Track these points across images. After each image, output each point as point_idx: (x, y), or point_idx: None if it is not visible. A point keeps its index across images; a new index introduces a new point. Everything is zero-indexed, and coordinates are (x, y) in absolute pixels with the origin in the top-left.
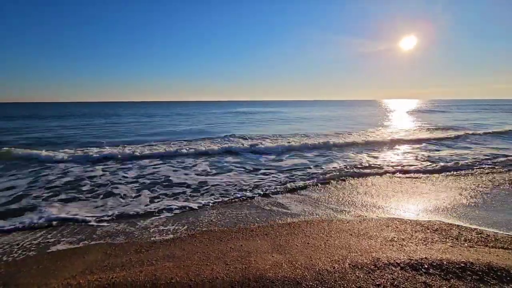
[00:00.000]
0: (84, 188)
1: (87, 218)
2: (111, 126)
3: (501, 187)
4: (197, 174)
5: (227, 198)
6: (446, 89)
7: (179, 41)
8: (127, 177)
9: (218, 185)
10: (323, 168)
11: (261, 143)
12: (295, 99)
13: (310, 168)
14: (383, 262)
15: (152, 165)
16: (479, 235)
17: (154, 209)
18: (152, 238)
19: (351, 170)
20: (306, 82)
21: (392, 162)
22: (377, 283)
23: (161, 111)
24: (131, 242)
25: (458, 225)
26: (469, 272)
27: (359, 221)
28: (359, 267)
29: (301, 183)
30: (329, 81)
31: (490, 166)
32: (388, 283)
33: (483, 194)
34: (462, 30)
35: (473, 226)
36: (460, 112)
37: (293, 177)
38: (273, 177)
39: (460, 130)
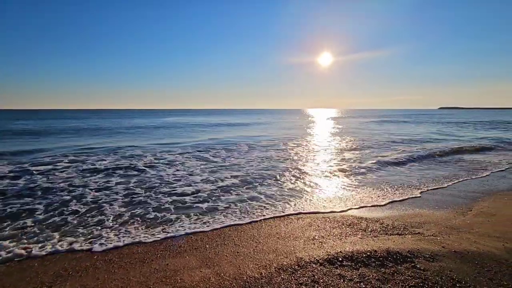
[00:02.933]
0: None
1: None
2: None
3: (398, 189)
4: None
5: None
6: (361, 99)
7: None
8: None
9: None
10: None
11: None
12: (229, 108)
13: None
14: (305, 261)
15: None
16: (381, 225)
17: None
18: (58, 270)
19: (278, 177)
20: (236, 91)
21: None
22: (300, 282)
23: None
24: (27, 280)
25: (366, 218)
26: (373, 259)
27: (286, 224)
28: (284, 269)
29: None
30: (260, 90)
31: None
32: (309, 280)
33: (384, 193)
34: (374, 46)
35: (377, 217)
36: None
37: None
38: None
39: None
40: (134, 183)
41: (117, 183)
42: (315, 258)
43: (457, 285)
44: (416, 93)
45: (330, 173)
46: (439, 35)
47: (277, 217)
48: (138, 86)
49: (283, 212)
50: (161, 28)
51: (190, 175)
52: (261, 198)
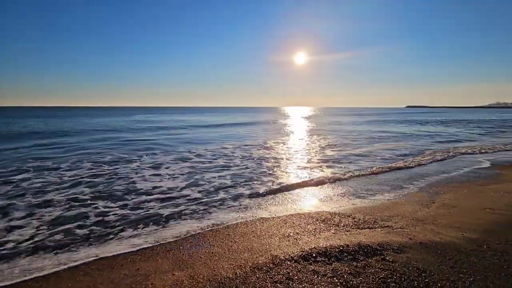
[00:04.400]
0: None
1: None
2: None
3: (368, 185)
4: None
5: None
6: (334, 98)
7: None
8: None
9: None
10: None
11: None
12: (205, 106)
13: None
14: (280, 259)
15: None
16: (353, 220)
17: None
18: (15, 280)
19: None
20: (211, 89)
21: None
22: (274, 280)
23: None
24: None
25: (339, 213)
26: (345, 254)
27: (262, 222)
28: (259, 267)
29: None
30: (235, 89)
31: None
32: (284, 278)
33: (357, 189)
34: (345, 47)
35: (350, 212)
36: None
37: None
38: None
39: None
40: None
41: None
42: (289, 255)
43: (423, 274)
44: (385, 92)
45: (309, 170)
46: (406, 39)
47: (256, 220)
48: (116, 84)
49: (264, 211)
50: (137, 28)
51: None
52: (239, 198)
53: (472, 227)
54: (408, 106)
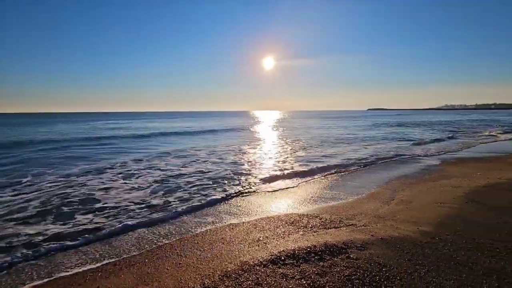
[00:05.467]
0: None
1: None
2: None
3: (334, 186)
4: None
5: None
6: (300, 102)
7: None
8: None
9: None
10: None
11: None
12: (172, 110)
13: None
14: (249, 264)
15: None
16: (320, 220)
17: None
18: None
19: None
20: (178, 92)
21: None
22: (243, 286)
23: None
24: None
25: (307, 214)
26: (313, 254)
27: (231, 228)
28: (228, 275)
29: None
30: (203, 92)
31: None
32: (253, 284)
33: (325, 190)
34: (314, 49)
35: (317, 213)
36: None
37: None
38: None
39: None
40: None
41: None
42: (259, 260)
43: (383, 269)
44: (347, 96)
45: (279, 173)
46: (366, 47)
47: (226, 226)
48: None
49: (230, 218)
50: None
51: None
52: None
53: (427, 221)
54: (369, 109)
